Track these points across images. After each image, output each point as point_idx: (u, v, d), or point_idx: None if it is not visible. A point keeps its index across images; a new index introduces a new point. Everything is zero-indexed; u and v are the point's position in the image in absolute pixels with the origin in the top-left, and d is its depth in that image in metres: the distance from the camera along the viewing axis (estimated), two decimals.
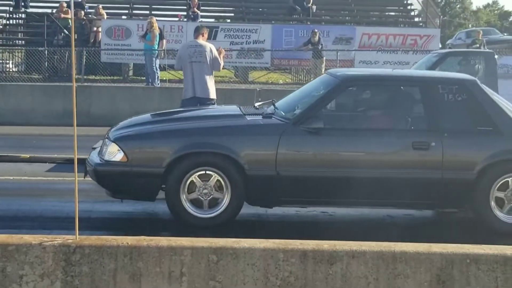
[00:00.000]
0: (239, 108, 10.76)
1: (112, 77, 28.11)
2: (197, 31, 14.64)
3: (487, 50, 25.23)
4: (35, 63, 28.08)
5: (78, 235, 5.16)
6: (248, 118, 9.90)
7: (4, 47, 31.75)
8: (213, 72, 14.51)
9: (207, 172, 9.23)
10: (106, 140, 9.67)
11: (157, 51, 25.24)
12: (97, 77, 27.65)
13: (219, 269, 4.99)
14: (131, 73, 30.97)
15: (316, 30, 28.53)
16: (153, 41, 25.05)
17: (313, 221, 10.40)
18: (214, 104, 14.10)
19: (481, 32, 30.00)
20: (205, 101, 13.86)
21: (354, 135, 9.61)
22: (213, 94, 14.21)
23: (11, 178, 13.02)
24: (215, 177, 9.22)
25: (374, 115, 10.25)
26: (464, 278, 5.00)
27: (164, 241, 5.08)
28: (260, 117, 9.88)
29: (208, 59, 14.04)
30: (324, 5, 36.38)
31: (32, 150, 15.63)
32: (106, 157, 9.42)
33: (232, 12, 36.86)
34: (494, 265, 5.04)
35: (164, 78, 26.83)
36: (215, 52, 14.18)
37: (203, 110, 11.54)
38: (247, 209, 10.00)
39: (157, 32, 25.19)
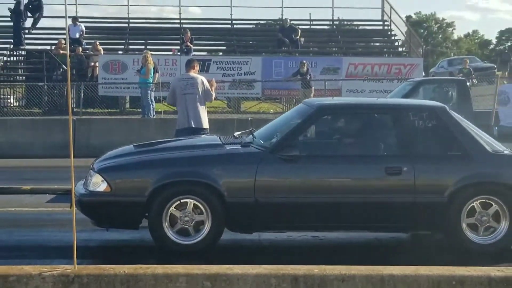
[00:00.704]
0: (219, 137, 10.79)
1: (109, 110, 28.17)
2: (189, 65, 14.66)
3: (460, 77, 25.33)
4: (35, 98, 28.14)
5: (77, 264, 5.12)
6: (227, 147, 9.92)
7: (5, 83, 31.73)
8: (206, 103, 14.50)
9: (188, 200, 9.21)
10: (91, 171, 9.66)
11: (151, 84, 25.28)
12: (95, 110, 27.67)
13: None
14: (127, 105, 30.97)
15: (304, 61, 28.61)
16: (147, 75, 25.12)
17: (304, 245, 10.36)
18: (207, 134, 14.08)
19: (468, 60, 30.06)
20: (199, 131, 13.83)
21: (330, 162, 9.60)
22: (206, 124, 14.21)
23: (13, 209, 12.96)
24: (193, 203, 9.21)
25: (348, 142, 10.24)
26: None
27: (160, 269, 5.05)
28: (238, 146, 9.87)
29: (200, 91, 14.03)
30: (311, 38, 36.63)
31: (33, 182, 15.55)
32: (91, 188, 9.40)
33: (223, 45, 37.03)
34: (479, 286, 5.01)
35: (160, 110, 26.87)
36: (207, 84, 14.18)
37: (184, 141, 11.45)
38: (241, 235, 10.05)
39: (151, 66, 25.27)
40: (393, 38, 36.86)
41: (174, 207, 9.24)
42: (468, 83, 21.60)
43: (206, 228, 9.23)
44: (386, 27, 37.47)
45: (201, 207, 9.22)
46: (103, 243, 10.32)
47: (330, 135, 10.44)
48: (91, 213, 9.58)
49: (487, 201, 9.46)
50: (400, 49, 35.99)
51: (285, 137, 9.59)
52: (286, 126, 10.11)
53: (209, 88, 14.22)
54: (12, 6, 33.56)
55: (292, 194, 9.33)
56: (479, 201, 9.44)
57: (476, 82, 32.09)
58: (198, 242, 9.22)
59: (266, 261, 5.66)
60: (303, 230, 10.12)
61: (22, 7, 33.53)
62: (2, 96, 30.85)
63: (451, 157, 9.61)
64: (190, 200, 9.23)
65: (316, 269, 5.06)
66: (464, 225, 9.40)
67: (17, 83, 32.06)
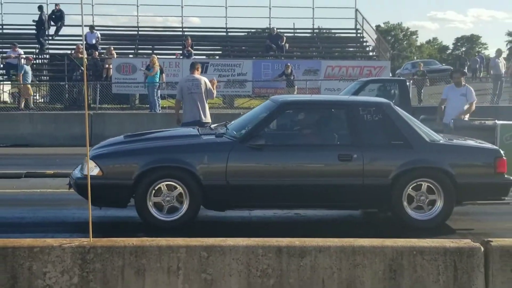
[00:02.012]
0: (197, 129, 10.88)
1: (121, 106, 28.05)
2: (193, 67, 14.67)
3: (401, 78, 25.36)
4: (58, 95, 28.05)
5: (92, 237, 5.12)
6: (203, 138, 9.98)
7: (32, 83, 31.66)
8: (207, 100, 14.53)
9: (169, 182, 9.30)
10: (86, 157, 9.71)
11: (157, 84, 25.25)
12: (109, 106, 27.59)
13: (209, 263, 4.96)
14: (137, 102, 30.87)
15: (289, 64, 28.63)
16: (154, 74, 25.06)
17: (288, 221, 10.38)
18: (208, 126, 14.12)
19: (422, 64, 30.09)
20: (203, 124, 13.83)
21: (291, 150, 9.67)
22: (208, 118, 14.24)
23: (38, 191, 12.91)
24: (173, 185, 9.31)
25: (307, 133, 10.26)
26: (412, 267, 4.98)
27: (163, 241, 5.05)
28: (213, 137, 9.93)
29: (203, 90, 14.07)
30: (295, 44, 36.61)
31: (56, 167, 15.50)
32: (85, 172, 9.42)
33: (219, 50, 36.95)
34: (436, 256, 5.02)
35: (165, 106, 26.80)
36: (209, 84, 14.23)
37: (166, 132, 11.46)
38: (234, 212, 10.06)
39: (157, 68, 25.24)
40: (364, 44, 36.83)
41: (158, 189, 9.30)
42: (408, 83, 21.68)
43: (185, 206, 9.29)
44: (358, 35, 37.42)
45: (180, 189, 9.28)
46: (116, 219, 10.31)
47: (291, 127, 10.50)
48: (86, 194, 9.62)
49: (425, 183, 9.54)
50: (370, 53, 35.97)
51: (253, 129, 9.62)
52: (254, 119, 10.11)
53: (211, 87, 14.28)
54: (36, 18, 33.59)
55: (259, 177, 9.40)
56: (418, 183, 9.53)
57: (428, 83, 32.07)
58: (178, 218, 9.29)
59: (256, 234, 5.67)
60: (268, 208, 10.21)
61: (44, 17, 33.44)
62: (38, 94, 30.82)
63: (394, 145, 9.62)
64: (171, 182, 9.30)
65: (297, 241, 5.06)
66: (405, 203, 9.49)
67: (42, 83, 31.94)
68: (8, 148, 21.06)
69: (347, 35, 38.88)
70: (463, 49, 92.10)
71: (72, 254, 4.92)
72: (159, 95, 26.02)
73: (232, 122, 10.79)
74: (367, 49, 36.59)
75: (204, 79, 14.34)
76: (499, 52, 29.03)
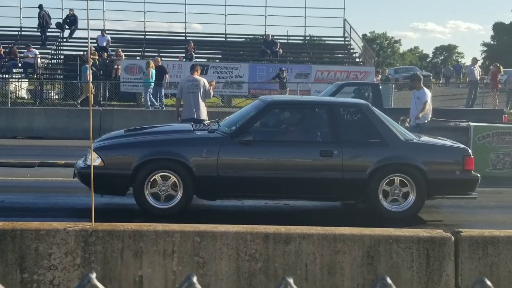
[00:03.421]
0: (191, 125, 10.89)
1: (128, 103, 27.97)
2: (193, 68, 14.71)
3: (375, 82, 25.33)
4: (71, 92, 28.00)
5: (95, 222, 5.08)
6: (197, 133, 9.99)
7: (47, 80, 31.63)
8: (206, 100, 14.51)
9: (164, 173, 9.30)
10: (89, 149, 9.68)
11: (151, 84, 25.16)
12: (117, 103, 27.55)
13: (201, 247, 4.92)
14: (143, 100, 30.82)
15: (283, 68, 28.60)
16: (148, 76, 25.15)
17: (278, 210, 10.36)
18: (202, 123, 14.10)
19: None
20: (200, 121, 13.80)
21: (277, 146, 9.68)
22: (205, 116, 14.20)
23: (50, 179, 12.87)
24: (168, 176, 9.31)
25: (292, 130, 10.31)
26: (388, 254, 4.94)
27: (159, 226, 5.00)
28: (206, 132, 9.93)
29: (201, 90, 14.05)
30: (288, 49, 36.56)
31: (67, 158, 15.45)
32: (88, 162, 9.40)
33: (219, 54, 36.89)
34: (410, 244, 4.98)
35: (168, 104, 26.77)
36: (207, 85, 14.23)
37: (163, 127, 11.49)
38: (228, 201, 10.03)
39: (152, 70, 25.35)
40: (351, 51, 36.80)
41: (153, 180, 9.29)
42: (380, 87, 21.69)
43: (179, 195, 9.30)
44: (346, 42, 37.42)
45: (175, 180, 9.27)
46: (119, 206, 10.28)
47: (277, 124, 10.48)
48: (88, 182, 9.59)
49: (399, 178, 9.57)
50: (357, 59, 35.94)
51: (242, 126, 9.64)
52: (244, 117, 10.12)
53: (209, 88, 14.26)
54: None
55: (247, 170, 9.40)
56: (393, 178, 9.55)
57: (394, 87, 32.00)
58: (172, 206, 9.30)
59: (247, 221, 5.64)
60: (255, 198, 10.17)
61: (43, 16, 33.35)
62: (45, 91, 30.70)
63: (371, 143, 9.65)
64: (166, 173, 9.29)
65: (282, 229, 5.02)
66: (380, 196, 9.52)
67: (57, 81, 31.89)
68: (24, 140, 21.03)
69: (335, 43, 38.87)
70: (442, 57, 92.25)
71: (75, 237, 4.88)
72: (163, 94, 25.97)
73: (224, 119, 10.80)
74: (354, 55, 36.58)
75: (203, 80, 14.34)
76: (474, 61, 29.02)
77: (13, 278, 4.89)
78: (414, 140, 10.00)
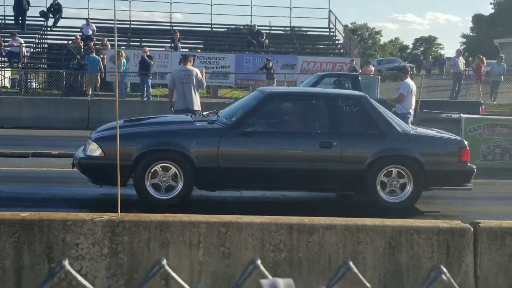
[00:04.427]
0: (191, 116, 10.96)
1: (113, 93, 27.83)
2: (186, 59, 14.63)
3: (354, 73, 25.52)
4: (55, 82, 27.87)
5: (114, 212, 5.15)
6: (197, 124, 10.03)
7: (32, 70, 31.43)
8: (199, 90, 14.47)
9: (165, 164, 9.33)
10: (89, 139, 9.75)
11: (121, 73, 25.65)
12: (103, 93, 27.45)
13: (227, 238, 4.99)
14: (128, 90, 30.72)
15: (270, 59, 28.67)
16: (121, 66, 25.77)
17: (276, 200, 10.46)
18: (200, 114, 14.09)
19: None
20: (193, 112, 13.80)
21: (276, 137, 9.76)
22: (198, 106, 14.17)
23: (45, 169, 12.87)
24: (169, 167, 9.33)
25: (291, 122, 10.37)
26: (409, 244, 5.04)
27: (185, 217, 5.07)
28: (206, 123, 9.98)
29: (194, 80, 14.00)
30: (273, 40, 36.59)
31: (59, 148, 15.42)
32: (88, 153, 9.50)
33: (204, 44, 36.81)
34: (431, 234, 5.09)
35: (156, 94, 26.75)
36: (200, 75, 14.14)
37: (163, 118, 11.51)
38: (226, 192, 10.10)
39: (123, 59, 26.08)
40: (336, 42, 36.92)
41: (154, 171, 9.32)
42: (360, 78, 21.99)
43: (179, 186, 9.34)
44: (331, 33, 37.51)
45: (176, 171, 9.30)
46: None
47: (277, 116, 10.50)
48: (89, 173, 9.66)
49: (397, 169, 9.69)
50: (342, 50, 36.06)
51: (242, 117, 9.71)
52: (243, 108, 10.18)
53: (202, 78, 14.20)
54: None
55: (247, 161, 9.47)
56: (390, 169, 9.66)
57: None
58: (172, 197, 9.34)
59: (246, 212, 5.72)
60: (255, 189, 10.25)
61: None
62: (29, 80, 30.52)
63: (369, 135, 9.77)
64: (167, 164, 9.32)
65: (306, 220, 5.11)
66: (378, 187, 9.64)
67: (41, 70, 31.70)
68: (12, 129, 20.92)
69: (320, 34, 38.94)
70: (422, 48, 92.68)
71: (102, 227, 4.93)
72: (150, 84, 25.95)
73: (223, 110, 10.84)
74: (339, 46, 36.68)
75: (196, 70, 14.28)
76: (458, 52, 29.27)
77: (41, 268, 4.93)
78: (412, 132, 10.14)
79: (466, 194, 10.68)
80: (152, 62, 26.38)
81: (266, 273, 1.67)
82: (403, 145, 9.79)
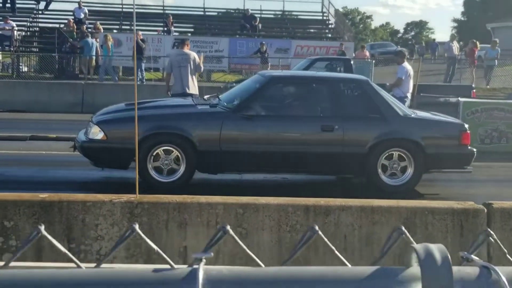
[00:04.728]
0: (192, 99, 11.01)
1: (105, 77, 27.71)
2: (183, 43, 14.65)
3: (346, 57, 25.58)
4: (47, 66, 27.77)
5: (137, 194, 5.20)
6: (199, 107, 10.05)
7: (24, 53, 31.28)
8: (196, 74, 14.49)
9: (167, 147, 9.36)
10: (90, 123, 9.76)
11: (107, 57, 25.70)
12: (96, 76, 27.37)
13: (244, 219, 5.05)
14: (121, 73, 30.63)
15: (264, 43, 28.63)
16: (108, 50, 25.74)
17: (276, 183, 10.53)
18: (198, 97, 14.14)
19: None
20: (190, 95, 13.82)
21: (278, 120, 9.78)
22: (196, 91, 14.18)
23: (44, 152, 12.85)
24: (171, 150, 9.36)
25: (293, 105, 10.38)
26: (424, 225, 5.12)
27: (202, 198, 5.12)
28: (208, 107, 9.99)
29: (191, 64, 14.01)
30: (267, 24, 36.55)
31: (56, 131, 15.43)
32: (90, 136, 9.50)
33: (198, 28, 36.72)
34: (445, 215, 5.17)
35: (150, 78, 26.74)
36: (197, 59, 14.14)
37: (165, 101, 11.53)
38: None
39: (110, 43, 25.88)
40: (329, 26, 36.92)
41: (156, 154, 9.36)
42: (352, 62, 22.00)
43: (181, 169, 9.37)
44: (324, 17, 37.50)
45: (178, 154, 9.35)
46: (119, 180, 10.33)
47: (279, 99, 10.52)
48: (91, 156, 9.69)
49: (398, 152, 9.76)
50: (335, 34, 36.06)
51: (245, 100, 9.75)
52: (245, 92, 10.22)
53: (199, 62, 14.22)
54: None
55: (249, 144, 9.49)
56: (391, 152, 9.73)
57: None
58: (175, 180, 9.37)
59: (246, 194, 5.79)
60: (257, 172, 10.27)
61: None
62: (21, 64, 30.42)
63: (371, 118, 9.82)
64: (169, 147, 9.36)
65: (322, 201, 5.18)
66: (379, 170, 9.69)
67: (33, 54, 31.55)
68: (5, 113, 20.87)
69: (314, 18, 38.92)
70: (413, 33, 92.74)
71: (121, 209, 4.98)
72: (142, 68, 25.88)
73: (224, 93, 10.89)
74: (332, 30, 36.68)
75: (193, 54, 14.28)
76: (453, 37, 29.41)
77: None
78: (412, 115, 10.21)
79: (465, 176, 10.78)
80: (144, 46, 26.31)
81: None
82: (404, 129, 9.86)
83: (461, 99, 14.86)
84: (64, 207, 4.95)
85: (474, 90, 21.62)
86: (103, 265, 1.36)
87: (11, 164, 11.64)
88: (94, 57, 27.10)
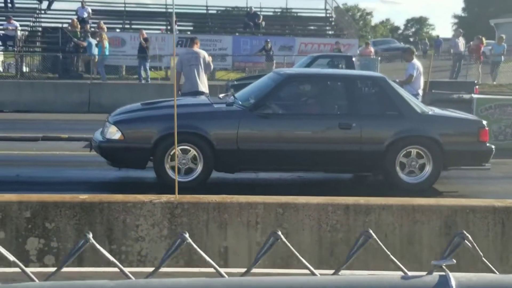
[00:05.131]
0: (208, 98, 10.99)
1: (108, 76, 27.64)
2: (193, 42, 14.59)
3: (348, 54, 25.51)
4: (51, 66, 27.73)
5: (176, 194, 5.19)
6: (215, 106, 10.01)
7: (28, 53, 31.22)
8: (207, 73, 14.45)
9: (185, 147, 9.32)
10: (107, 123, 9.72)
11: (101, 55, 25.52)
12: (99, 76, 27.32)
13: (284, 219, 5.04)
14: (124, 72, 30.58)
15: (268, 40, 28.58)
16: (103, 48, 25.57)
17: (291, 183, 10.50)
18: (207, 96, 14.12)
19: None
20: (201, 94, 13.81)
21: (295, 119, 9.77)
22: (206, 89, 14.15)
23: (57, 153, 12.81)
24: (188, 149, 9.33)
25: (310, 103, 10.37)
26: (465, 224, 5.11)
27: (242, 198, 5.11)
28: (224, 105, 9.94)
29: (202, 63, 13.97)
30: (270, 21, 36.47)
31: (65, 131, 15.42)
32: (108, 136, 9.47)
33: (201, 26, 36.65)
34: (486, 214, 5.16)
35: (157, 77, 26.73)
36: (208, 58, 14.12)
37: (181, 100, 11.54)
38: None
39: (106, 42, 25.80)
40: (333, 23, 36.88)
41: (174, 152, 9.28)
42: (353, 58, 21.98)
43: (199, 168, 9.36)
44: (328, 15, 37.47)
45: (195, 153, 9.33)
46: (135, 180, 10.31)
47: (296, 97, 10.50)
48: (108, 156, 9.69)
49: (416, 150, 9.71)
50: (338, 32, 36.00)
51: (261, 99, 9.70)
52: (261, 90, 10.16)
53: (210, 61, 14.18)
54: None
55: (267, 143, 9.47)
56: (410, 150, 9.68)
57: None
58: (192, 180, 9.34)
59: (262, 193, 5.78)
60: (274, 171, 10.27)
61: None
62: (20, 64, 30.38)
63: (389, 116, 9.79)
64: (186, 147, 9.32)
65: (361, 200, 5.18)
66: (398, 168, 9.65)
67: (36, 53, 31.49)
68: (12, 113, 20.84)
69: (317, 15, 38.87)
70: (413, 29, 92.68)
71: (161, 209, 4.98)
72: (148, 67, 25.87)
73: (239, 92, 10.86)
74: (334, 27, 36.62)
75: (203, 53, 14.24)
76: (458, 33, 29.34)
77: None
78: (430, 112, 10.18)
79: (481, 174, 10.78)
80: (145, 45, 26.23)
81: None
82: (422, 126, 9.83)
83: (475, 96, 14.84)
84: (105, 208, 4.94)
85: (477, 87, 21.57)
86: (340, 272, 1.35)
87: (26, 165, 11.64)
88: (96, 56, 27.07)
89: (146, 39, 26.24)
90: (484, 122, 10.28)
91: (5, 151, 12.68)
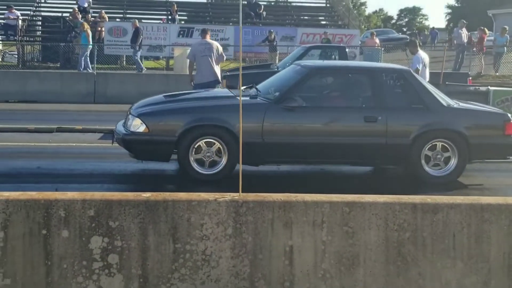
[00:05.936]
0: (230, 91, 10.88)
1: (109, 66, 27.40)
2: (204, 33, 14.53)
3: (341, 45, 25.34)
4: (51, 55, 27.50)
5: (240, 192, 5.06)
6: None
7: (28, 42, 30.94)
8: (219, 63, 14.30)
9: (209, 140, 9.27)
10: (130, 115, 9.61)
11: (87, 46, 25.12)
12: (101, 66, 27.09)
13: (350, 217, 4.92)
14: (124, 63, 30.35)
15: (272, 31, 28.40)
16: (88, 39, 25.20)
17: (315, 176, 10.42)
18: (220, 86, 14.03)
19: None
20: (213, 83, 13.70)
21: (321, 111, 9.66)
22: (218, 79, 14.06)
23: (74, 144, 12.64)
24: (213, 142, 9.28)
25: (335, 96, 10.27)
26: None
27: (307, 197, 4.98)
28: (248, 98, 9.80)
29: (214, 54, 13.88)
30: (272, 12, 36.36)
31: (77, 122, 15.27)
32: (132, 129, 9.37)
33: (202, 16, 36.42)
34: None
35: (153, 67, 26.58)
36: (220, 49, 14.04)
37: (204, 93, 11.44)
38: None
39: (89, 31, 25.49)
40: (334, 14, 36.74)
41: (198, 146, 9.26)
42: (347, 50, 21.82)
43: (223, 161, 9.29)
44: (328, 5, 37.33)
45: (219, 146, 9.25)
46: (154, 173, 10.19)
47: (321, 90, 10.39)
48: (132, 149, 9.59)
49: (441, 143, 9.67)
50: (339, 22, 35.88)
51: (286, 92, 9.60)
52: (286, 83, 10.05)
53: (222, 52, 14.09)
54: None
55: (292, 136, 9.40)
56: (435, 143, 9.63)
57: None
58: (216, 172, 9.30)
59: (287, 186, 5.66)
60: (299, 164, 10.25)
61: None
62: (15, 54, 30.14)
63: (414, 109, 9.73)
64: (211, 140, 9.26)
65: (429, 199, 5.05)
66: (423, 161, 9.61)
67: (37, 43, 31.22)
68: (19, 104, 20.66)
69: (318, 5, 38.72)
70: (406, 19, 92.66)
71: (226, 208, 4.84)
72: (138, 57, 25.59)
73: (261, 84, 10.72)
74: (335, 18, 36.50)
75: (216, 44, 14.18)
76: (462, 24, 29.21)
77: (166, 248, 4.84)
78: (455, 105, 10.11)
79: (502, 166, 10.76)
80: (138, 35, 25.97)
81: None
82: (447, 119, 9.76)
83: (491, 88, 14.77)
84: (169, 207, 4.80)
85: (470, 78, 21.54)
86: None
87: (45, 156, 11.45)
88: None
89: (138, 29, 25.95)
90: (510, 115, 10.21)
91: (22, 143, 12.52)
